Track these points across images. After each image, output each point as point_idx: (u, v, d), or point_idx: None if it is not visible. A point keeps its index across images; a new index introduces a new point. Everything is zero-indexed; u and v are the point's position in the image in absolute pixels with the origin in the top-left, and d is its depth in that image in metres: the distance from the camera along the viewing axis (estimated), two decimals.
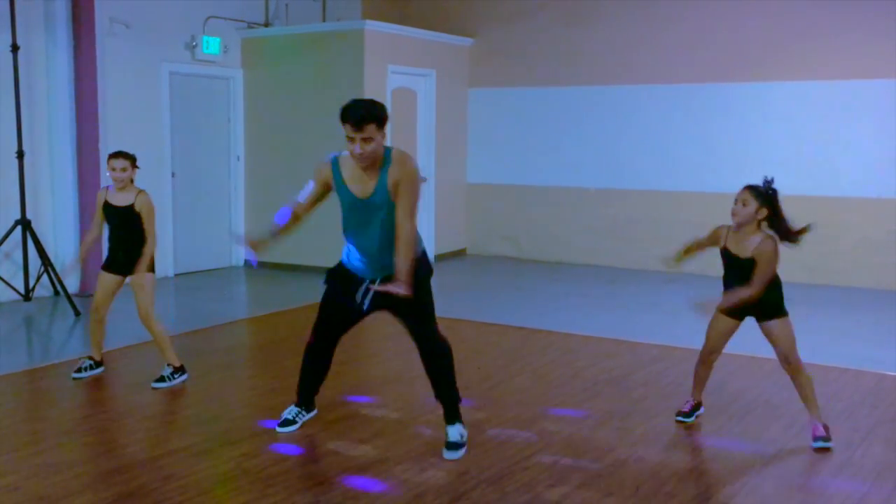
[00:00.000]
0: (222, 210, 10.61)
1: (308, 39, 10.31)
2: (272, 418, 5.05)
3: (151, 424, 5.05)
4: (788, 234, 4.73)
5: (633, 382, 5.88)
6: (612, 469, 4.36)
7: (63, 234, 8.83)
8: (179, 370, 5.80)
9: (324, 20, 11.30)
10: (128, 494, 4.00)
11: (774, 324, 4.73)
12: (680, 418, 5.08)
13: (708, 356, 5.03)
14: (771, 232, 4.68)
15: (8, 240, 8.15)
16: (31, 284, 8.33)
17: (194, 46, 9.89)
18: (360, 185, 4.31)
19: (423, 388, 5.84)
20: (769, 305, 4.74)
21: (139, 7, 9.30)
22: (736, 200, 4.67)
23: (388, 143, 4.43)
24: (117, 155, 5.65)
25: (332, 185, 4.38)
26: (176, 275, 9.98)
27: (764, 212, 4.65)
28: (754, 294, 4.62)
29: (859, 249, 9.51)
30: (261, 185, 10.66)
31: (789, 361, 4.76)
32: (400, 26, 10.64)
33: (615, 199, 10.85)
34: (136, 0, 9.25)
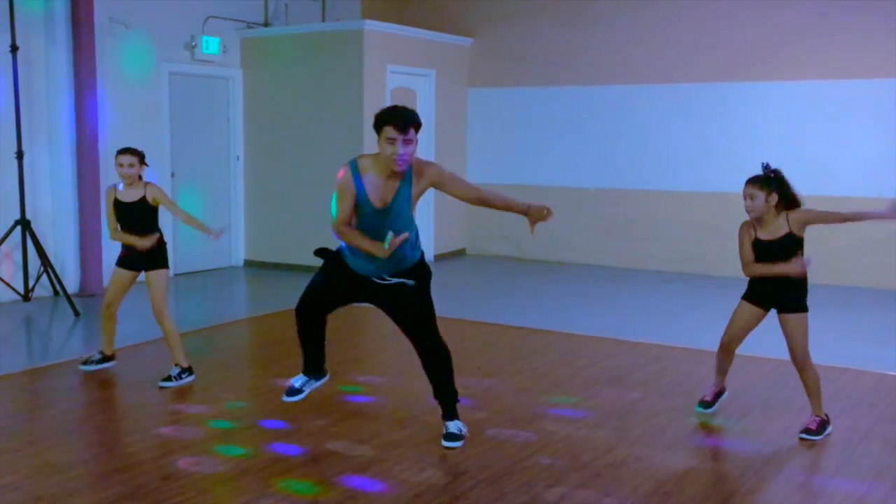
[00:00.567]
0: (222, 210, 10.60)
1: (307, 39, 10.31)
2: (272, 418, 5.06)
3: (151, 424, 5.05)
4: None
5: (632, 382, 5.88)
6: (611, 469, 4.37)
7: (62, 235, 8.84)
8: (187, 371, 5.79)
9: (323, 20, 11.30)
10: (128, 494, 4.00)
11: (794, 317, 4.81)
12: (700, 409, 5.18)
13: (728, 344, 5.07)
14: (795, 212, 4.72)
15: (7, 240, 8.15)
16: (30, 285, 8.33)
17: (194, 46, 9.90)
18: (380, 192, 4.26)
19: (422, 388, 5.85)
20: (794, 297, 4.83)
21: (138, 7, 9.30)
22: (744, 197, 4.72)
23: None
24: (125, 151, 5.68)
25: (352, 191, 4.25)
26: (176, 275, 9.97)
27: (774, 197, 4.69)
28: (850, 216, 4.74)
29: (859, 249, 9.51)
30: (260, 184, 10.66)
31: (797, 357, 4.84)
32: (399, 26, 10.64)
33: (615, 199, 10.85)
34: (136, 0, 9.26)
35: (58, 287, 8.28)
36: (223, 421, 5.05)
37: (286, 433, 4.83)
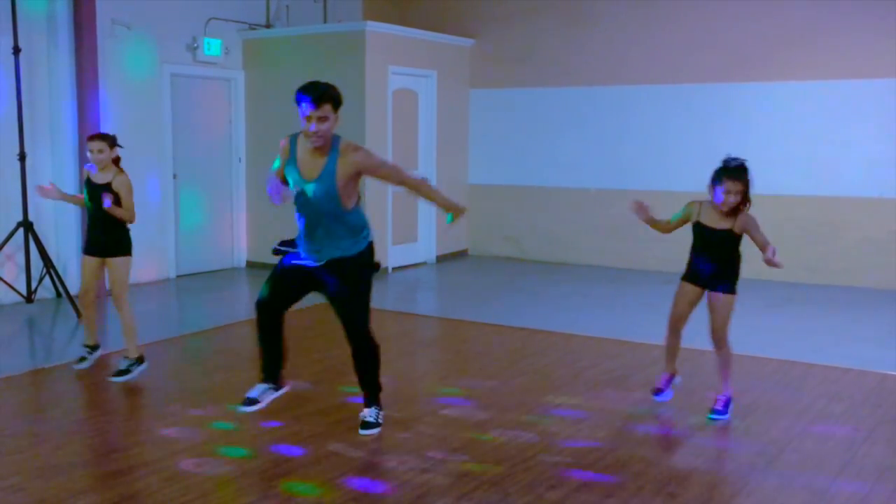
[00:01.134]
0: (224, 211, 10.61)
1: (309, 40, 10.32)
2: (275, 419, 5.06)
3: (154, 426, 5.06)
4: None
5: (634, 383, 5.88)
6: (614, 470, 4.37)
7: (65, 236, 8.85)
8: (139, 360, 5.92)
9: (325, 21, 11.31)
10: (130, 496, 4.01)
11: (722, 297, 5.07)
12: (657, 397, 5.40)
13: (676, 323, 5.33)
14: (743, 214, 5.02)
15: (10, 242, 8.16)
16: (33, 286, 8.34)
17: (195, 48, 9.90)
18: (308, 166, 4.43)
19: (424, 389, 5.86)
20: (727, 279, 5.09)
21: (140, 9, 9.31)
22: (728, 191, 4.93)
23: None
24: (94, 137, 5.84)
25: (285, 160, 4.52)
26: (178, 276, 10.00)
27: (746, 194, 5.00)
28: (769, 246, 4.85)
29: (861, 249, 9.51)
30: (262, 186, 10.60)
31: (717, 333, 5.12)
32: (401, 27, 10.64)
33: (616, 200, 10.83)
34: (138, 2, 9.27)
35: (60, 289, 8.29)
36: (226, 422, 5.05)
37: (288, 434, 4.83)
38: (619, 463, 4.45)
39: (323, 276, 4.59)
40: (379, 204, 10.24)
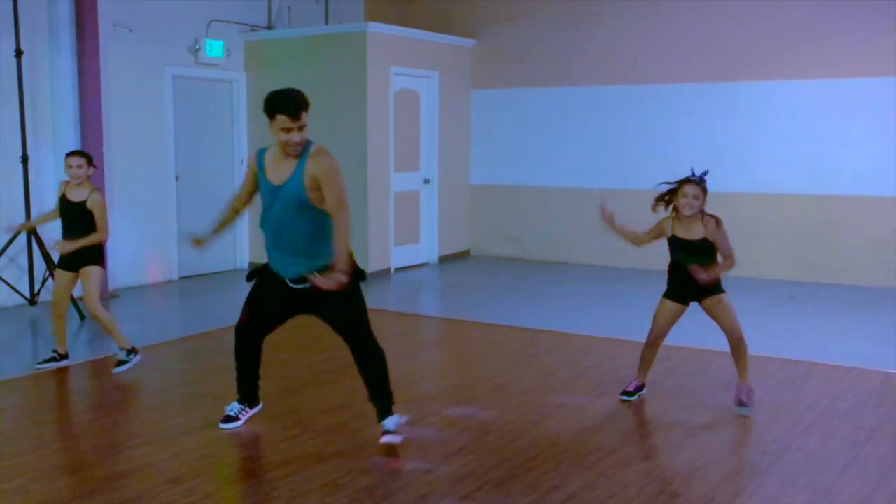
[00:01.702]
0: None
1: (311, 42, 10.32)
2: (278, 420, 5.07)
3: (157, 428, 5.06)
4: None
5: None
6: (617, 469, 4.37)
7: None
8: (133, 351, 6.07)
9: (326, 22, 11.32)
10: (134, 498, 4.01)
11: (716, 298, 5.17)
12: (624, 397, 5.46)
13: (655, 340, 5.45)
14: (709, 213, 5.19)
15: (13, 244, 8.17)
16: (36, 289, 8.35)
17: (197, 50, 9.92)
18: (277, 172, 4.44)
19: (427, 389, 5.86)
20: (711, 285, 5.15)
21: (142, 11, 9.32)
22: (686, 194, 5.14)
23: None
24: (73, 154, 6.04)
25: (256, 173, 4.54)
26: (180, 278, 10.00)
27: (705, 200, 5.18)
28: (733, 264, 5.12)
29: (863, 248, 9.50)
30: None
31: (734, 333, 5.22)
32: (402, 28, 10.65)
33: (619, 200, 10.75)
34: (139, 4, 9.28)
35: None
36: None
37: (292, 435, 4.83)
38: (622, 462, 4.45)
39: (308, 295, 4.45)
40: (381, 205, 10.24)
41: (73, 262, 6.03)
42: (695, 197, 5.12)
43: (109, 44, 8.99)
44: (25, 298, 8.32)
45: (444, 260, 11.30)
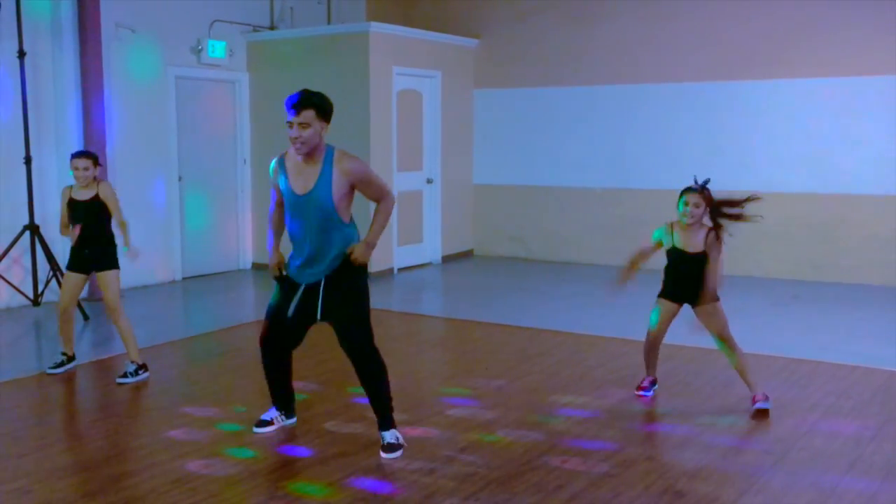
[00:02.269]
0: (229, 213, 10.63)
1: (313, 42, 10.32)
2: None
3: (161, 427, 5.06)
4: (736, 216, 5.18)
5: (636, 385, 5.87)
6: (622, 469, 4.36)
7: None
8: (142, 368, 5.95)
9: (329, 23, 11.32)
10: (138, 498, 4.01)
11: (710, 307, 5.20)
12: (641, 393, 5.52)
13: (654, 341, 5.50)
14: (709, 224, 5.19)
15: (17, 245, 8.18)
16: (39, 289, 8.36)
17: (200, 50, 9.92)
18: (301, 180, 4.35)
19: (431, 390, 5.85)
20: (704, 292, 5.20)
21: (145, 11, 9.33)
22: (686, 203, 5.13)
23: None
24: (80, 155, 5.91)
25: (278, 182, 4.45)
26: (184, 278, 10.01)
27: (706, 209, 5.17)
28: (719, 280, 5.20)
29: (867, 246, 9.48)
30: (267, 188, 10.62)
31: (722, 337, 5.23)
32: (405, 28, 10.65)
33: (622, 199, 10.84)
34: (142, 4, 9.29)
35: None
36: (233, 424, 5.05)
37: (295, 435, 4.83)
38: (627, 462, 4.44)
39: (315, 296, 4.42)
40: None
41: (87, 265, 5.92)
42: (695, 206, 5.10)
43: (112, 44, 9.00)
44: (29, 299, 8.33)
45: (447, 260, 11.29)
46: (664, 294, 5.41)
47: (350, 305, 4.44)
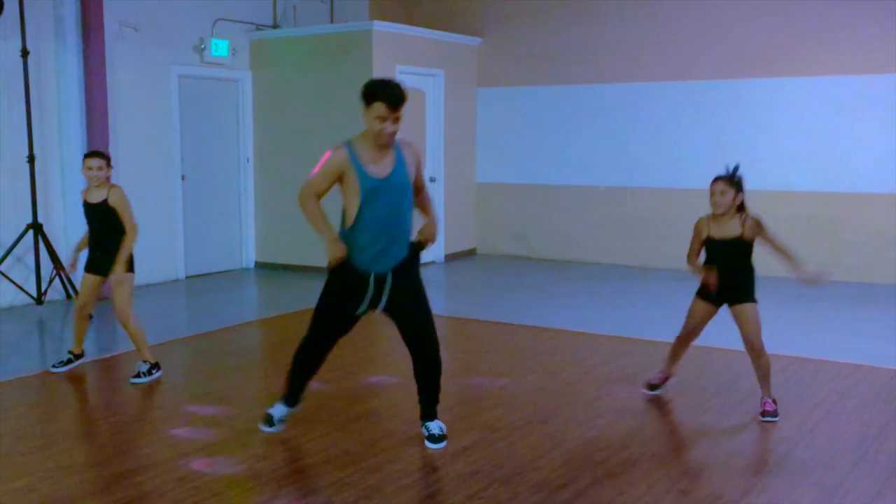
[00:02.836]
0: (232, 212, 10.63)
1: (316, 41, 10.32)
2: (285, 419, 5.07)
3: (165, 426, 5.07)
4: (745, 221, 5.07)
5: (644, 380, 5.86)
6: (625, 467, 4.35)
7: (74, 238, 8.80)
8: (155, 366, 5.91)
9: (332, 21, 11.31)
10: (142, 496, 4.02)
11: (746, 307, 5.03)
12: (649, 391, 5.48)
13: (687, 336, 5.37)
14: (751, 214, 5.05)
15: (20, 243, 8.19)
16: (43, 288, 8.37)
17: (203, 49, 9.92)
18: (378, 165, 4.33)
19: None
20: (745, 290, 5.05)
21: (147, 10, 9.33)
22: (713, 193, 5.00)
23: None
24: (92, 155, 5.85)
25: (348, 171, 4.32)
26: (187, 277, 10.01)
27: (740, 197, 5.00)
28: (792, 255, 5.03)
29: (871, 245, 9.47)
30: (270, 186, 10.67)
31: (754, 345, 5.06)
32: (408, 27, 10.65)
33: (625, 198, 10.83)
34: (145, 3, 9.29)
35: (70, 290, 8.32)
36: (236, 422, 5.05)
37: (300, 434, 4.83)
38: (631, 460, 4.44)
39: (380, 287, 4.40)
40: None
41: (104, 268, 5.81)
42: (721, 193, 4.95)
43: (115, 43, 9.00)
44: (32, 298, 8.34)
45: (449, 258, 11.28)
46: (700, 292, 5.20)
47: (420, 297, 4.51)
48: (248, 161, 10.73)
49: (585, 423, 5.01)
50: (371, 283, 4.41)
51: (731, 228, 4.99)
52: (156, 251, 9.49)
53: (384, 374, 6.14)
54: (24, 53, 8.09)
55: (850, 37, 9.41)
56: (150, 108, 9.47)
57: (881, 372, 6.04)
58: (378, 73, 9.94)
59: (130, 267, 5.85)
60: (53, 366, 6.07)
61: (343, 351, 6.65)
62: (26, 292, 8.30)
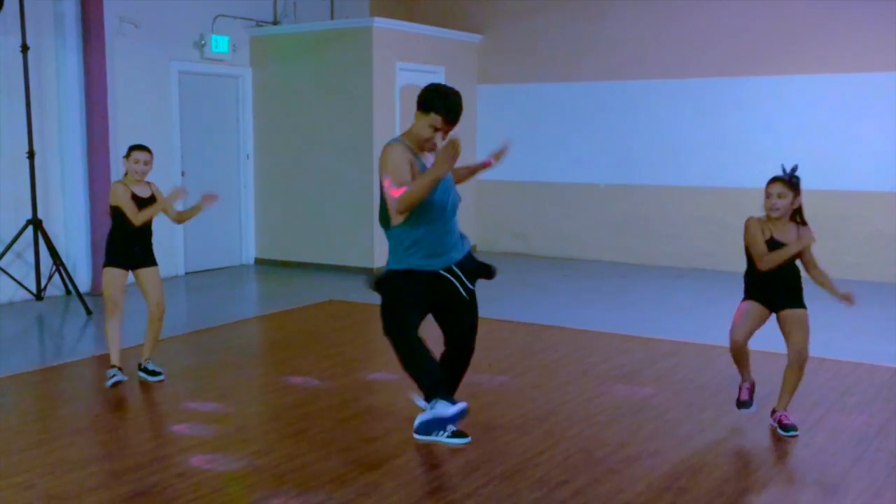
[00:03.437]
0: (232, 208, 10.62)
1: (316, 37, 10.31)
2: (284, 416, 5.07)
3: (164, 422, 5.07)
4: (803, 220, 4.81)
5: (644, 378, 5.87)
6: (625, 464, 4.35)
7: (74, 234, 8.87)
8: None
9: (332, 18, 11.30)
10: (141, 492, 4.01)
11: (800, 313, 4.75)
12: (743, 410, 4.99)
13: (744, 344, 4.89)
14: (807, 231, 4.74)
15: (20, 239, 8.18)
16: (42, 284, 8.36)
17: (203, 45, 9.91)
18: (427, 162, 4.40)
19: None
20: (798, 294, 4.79)
21: (148, 6, 9.32)
22: (769, 195, 4.65)
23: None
24: (142, 148, 5.74)
25: (413, 162, 4.35)
26: (186, 273, 10.01)
27: (798, 201, 4.70)
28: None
29: (871, 243, 9.46)
30: (270, 183, 10.67)
31: (802, 354, 4.73)
32: (408, 23, 10.63)
33: (626, 195, 10.82)
34: None
35: (70, 286, 8.31)
36: (236, 418, 5.05)
37: (299, 430, 4.83)
38: (630, 457, 4.44)
39: (449, 284, 4.47)
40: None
41: (135, 261, 5.67)
42: (779, 196, 4.61)
43: (115, 39, 8.99)
44: (32, 294, 8.33)
45: None
46: (753, 296, 4.82)
47: (474, 293, 4.63)
48: (248, 157, 10.72)
49: (585, 421, 5.01)
50: (443, 277, 4.45)
51: (790, 232, 4.70)
52: (155, 247, 9.45)
53: (383, 371, 6.14)
54: (24, 49, 8.08)
55: (851, 35, 9.40)
56: (150, 105, 9.46)
57: (881, 370, 6.04)
58: (378, 69, 9.94)
59: (155, 258, 5.84)
60: (110, 384, 5.61)
61: (343, 349, 6.66)
62: (26, 288, 8.29)
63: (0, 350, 6.67)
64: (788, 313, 4.73)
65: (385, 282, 4.50)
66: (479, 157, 11.77)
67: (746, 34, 9.94)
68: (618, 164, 10.79)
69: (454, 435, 4.54)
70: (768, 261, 4.70)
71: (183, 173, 9.92)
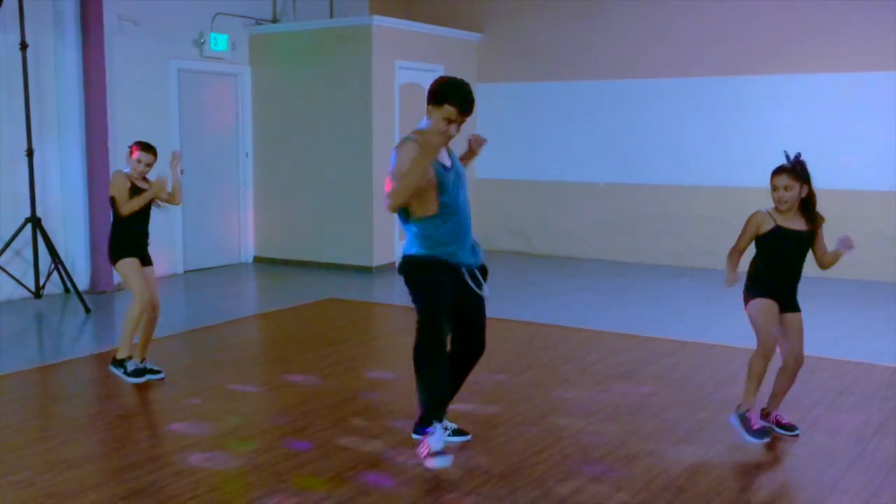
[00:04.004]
0: (231, 207, 10.62)
1: (316, 35, 10.30)
2: (284, 414, 5.07)
3: (163, 420, 5.06)
4: (814, 213, 4.69)
5: (643, 377, 5.87)
6: (623, 464, 4.35)
7: (73, 232, 8.86)
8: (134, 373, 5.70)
9: (331, 16, 11.30)
10: (140, 490, 4.01)
11: (800, 317, 4.66)
12: (757, 440, 4.59)
13: (772, 349, 4.59)
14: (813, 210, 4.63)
15: (18, 237, 8.17)
16: (41, 282, 8.35)
17: (202, 43, 9.91)
18: (442, 158, 4.40)
19: None
20: (795, 295, 4.69)
21: (147, 4, 9.31)
22: (776, 187, 4.52)
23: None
24: (149, 149, 5.78)
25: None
26: (185, 271, 10.01)
27: (805, 189, 4.56)
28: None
29: (871, 243, 9.45)
30: (269, 181, 10.67)
31: (799, 358, 4.67)
32: (407, 22, 10.63)
33: (625, 194, 10.82)
34: None
35: (68, 284, 8.30)
36: (235, 417, 5.05)
37: (298, 429, 4.83)
38: (629, 457, 4.44)
39: (467, 282, 4.45)
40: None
41: (142, 255, 5.76)
42: (786, 188, 4.47)
43: (114, 37, 8.99)
44: (31, 291, 8.32)
45: None
46: (765, 293, 4.57)
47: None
48: (247, 156, 10.72)
49: (584, 419, 5.01)
50: (463, 274, 4.42)
51: (798, 223, 4.58)
52: (154, 245, 9.44)
53: (383, 370, 6.14)
54: (23, 46, 8.07)
55: (851, 34, 9.40)
56: (149, 103, 9.46)
57: (879, 369, 6.04)
58: (378, 68, 9.94)
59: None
60: (130, 376, 5.65)
61: (340, 347, 6.66)
62: (24, 286, 8.28)
63: None
64: (791, 317, 4.63)
65: (414, 264, 4.39)
66: (479, 156, 11.80)
67: (747, 33, 9.94)
68: (618, 162, 10.79)
69: (455, 433, 4.57)
70: (731, 259, 4.62)
71: (182, 171, 9.87)
